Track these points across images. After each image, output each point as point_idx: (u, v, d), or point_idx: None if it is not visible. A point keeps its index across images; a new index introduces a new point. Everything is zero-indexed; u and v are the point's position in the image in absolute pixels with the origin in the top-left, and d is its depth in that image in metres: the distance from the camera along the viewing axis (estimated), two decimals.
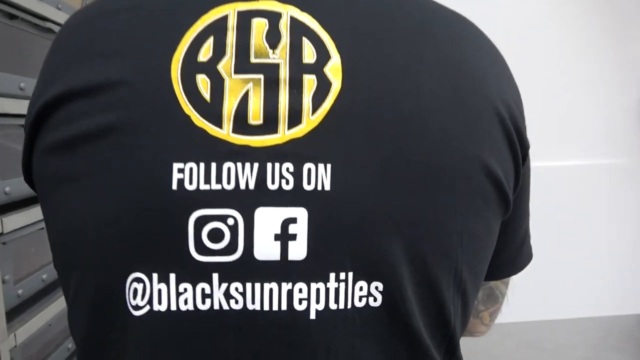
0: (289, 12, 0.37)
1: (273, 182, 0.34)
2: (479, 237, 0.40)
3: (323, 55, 0.36)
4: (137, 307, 0.35)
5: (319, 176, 0.34)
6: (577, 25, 1.71)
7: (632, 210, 1.78)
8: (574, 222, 1.75)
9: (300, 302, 0.35)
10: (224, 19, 0.36)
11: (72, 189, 0.36)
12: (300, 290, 0.35)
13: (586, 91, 1.73)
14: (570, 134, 1.75)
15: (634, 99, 1.76)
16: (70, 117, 0.36)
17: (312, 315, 0.35)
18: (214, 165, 0.34)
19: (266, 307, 0.35)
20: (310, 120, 0.35)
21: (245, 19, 0.36)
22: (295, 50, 0.36)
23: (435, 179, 0.36)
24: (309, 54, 0.36)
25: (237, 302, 0.34)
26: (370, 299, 0.36)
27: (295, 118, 0.35)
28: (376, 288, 0.36)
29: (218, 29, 0.36)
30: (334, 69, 0.36)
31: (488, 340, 0.90)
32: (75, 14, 0.42)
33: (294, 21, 0.36)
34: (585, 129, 1.75)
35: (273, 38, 0.36)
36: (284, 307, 0.35)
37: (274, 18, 0.36)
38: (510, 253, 0.49)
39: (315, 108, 0.35)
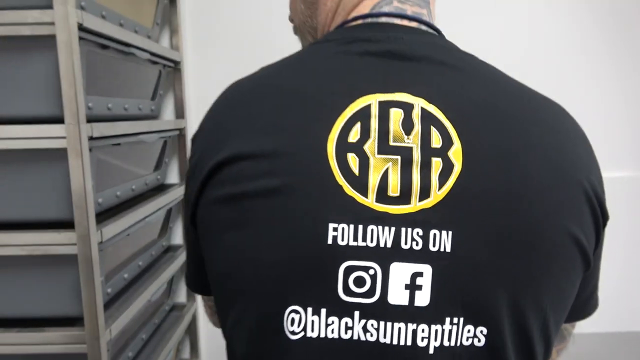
0: (419, 103, 0.46)
1: (406, 243, 0.44)
2: (565, 293, 0.48)
3: (447, 141, 0.45)
4: (293, 333, 0.45)
5: (442, 240, 0.43)
6: (603, 35, 1.72)
7: None
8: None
9: (422, 340, 0.44)
10: (368, 107, 0.46)
11: (239, 234, 0.46)
12: (423, 330, 0.44)
13: (612, 107, 1.75)
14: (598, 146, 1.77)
15: None
16: (239, 175, 0.46)
17: (431, 351, 0.44)
18: (360, 227, 0.44)
19: (395, 342, 0.44)
20: (436, 195, 0.44)
21: (384, 108, 0.46)
22: (425, 137, 0.45)
23: (536, 247, 0.45)
24: (436, 140, 0.45)
25: (372, 335, 0.44)
26: (475, 340, 0.44)
27: (424, 193, 0.44)
28: (481, 332, 0.44)
29: (363, 115, 0.45)
30: (456, 153, 0.44)
31: None
32: (227, 92, 0.53)
33: (423, 111, 0.45)
34: (613, 142, 1.77)
35: (407, 125, 0.45)
36: (409, 342, 0.44)
37: (407, 108, 0.46)
38: (581, 301, 0.56)
39: (440, 185, 0.44)
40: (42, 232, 0.96)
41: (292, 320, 0.45)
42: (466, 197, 0.44)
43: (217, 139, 0.49)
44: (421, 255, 0.44)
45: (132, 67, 1.32)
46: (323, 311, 0.44)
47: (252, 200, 0.45)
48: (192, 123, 1.68)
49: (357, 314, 0.44)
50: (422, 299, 0.44)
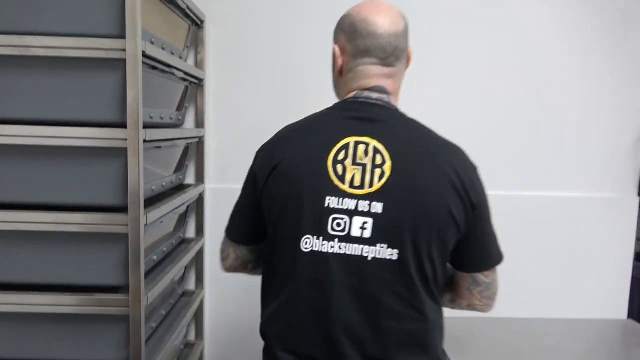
0: (373, 143, 0.93)
1: (360, 208, 0.90)
2: (444, 242, 0.93)
3: (383, 161, 0.91)
4: (305, 248, 0.92)
5: (377, 207, 0.89)
6: (584, 68, 2.01)
7: (623, 240, 2.08)
8: (571, 247, 2.06)
9: (365, 253, 0.90)
10: (348, 143, 0.93)
11: (286, 201, 0.93)
12: (366, 249, 0.90)
13: (589, 132, 2.03)
14: (573, 169, 2.05)
15: (631, 142, 2.06)
16: (287, 171, 0.94)
17: (369, 258, 0.90)
18: (340, 199, 0.90)
19: (353, 253, 0.89)
20: (376, 186, 0.90)
21: (356, 144, 0.93)
22: (373, 158, 0.92)
23: (427, 212, 0.90)
24: (378, 160, 0.92)
25: (342, 250, 0.90)
26: (392, 256, 0.90)
27: (370, 185, 0.91)
28: (395, 252, 0.90)
29: (346, 147, 0.93)
30: (387, 167, 0.91)
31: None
32: (283, 129, 1.04)
33: (375, 147, 0.93)
34: (588, 165, 2.05)
35: (365, 153, 0.92)
36: (359, 254, 0.90)
37: (367, 144, 0.93)
38: (473, 256, 1.00)
39: (379, 181, 0.91)
40: (101, 214, 1.20)
41: (306, 242, 0.92)
42: (390, 188, 0.90)
43: (269, 157, 0.99)
44: (367, 214, 0.90)
45: (168, 82, 1.56)
46: (321, 238, 0.91)
47: (293, 183, 0.93)
48: (210, 132, 1.92)
49: (336, 240, 0.91)
50: (367, 234, 0.90)
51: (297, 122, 1.02)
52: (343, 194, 0.89)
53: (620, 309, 2.10)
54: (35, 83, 1.17)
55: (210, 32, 1.89)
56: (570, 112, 2.02)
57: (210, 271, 1.99)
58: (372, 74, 0.99)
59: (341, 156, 0.90)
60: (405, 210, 0.89)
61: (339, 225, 0.89)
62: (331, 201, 0.89)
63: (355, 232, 0.89)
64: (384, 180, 0.89)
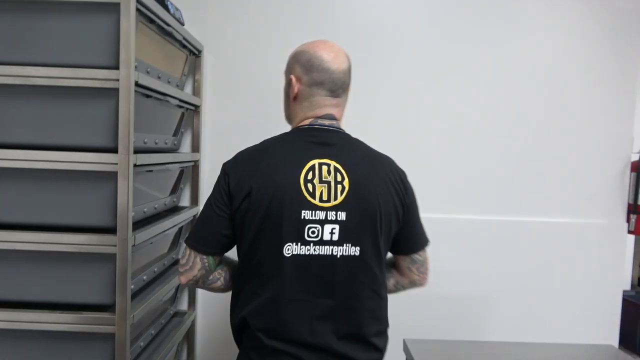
0: (332, 163, 1.13)
1: (329, 218, 1.10)
2: (391, 232, 1.18)
3: (342, 178, 1.12)
4: (286, 254, 1.09)
5: (342, 215, 1.10)
6: (573, 97, 2.06)
7: (611, 264, 2.09)
8: (561, 272, 2.07)
9: (334, 252, 1.10)
10: (314, 165, 1.12)
11: (265, 217, 1.09)
12: (335, 249, 1.10)
13: (580, 159, 2.07)
14: (560, 195, 2.08)
15: (620, 169, 2.09)
16: (262, 194, 1.09)
17: (338, 256, 1.11)
18: (313, 212, 1.09)
19: (325, 253, 1.10)
20: (339, 199, 1.10)
21: (320, 165, 1.12)
22: (335, 176, 1.12)
23: (379, 214, 1.13)
24: (339, 177, 1.12)
25: (317, 252, 1.10)
26: (355, 253, 1.12)
27: (335, 198, 1.11)
28: (357, 249, 1.12)
29: (312, 168, 1.12)
30: (346, 183, 1.12)
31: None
32: (241, 153, 1.17)
33: (334, 166, 1.13)
34: (578, 192, 2.09)
35: (328, 172, 1.12)
36: (330, 253, 1.10)
37: (328, 165, 1.13)
38: (409, 241, 1.24)
39: (340, 195, 1.11)
40: (91, 234, 1.25)
41: (287, 248, 1.09)
42: (350, 199, 1.11)
43: (241, 180, 1.12)
44: (334, 221, 1.10)
45: (163, 109, 1.64)
46: (299, 244, 1.09)
47: (274, 200, 1.09)
48: (206, 156, 1.99)
49: (312, 244, 1.10)
50: (335, 237, 1.10)
51: (261, 144, 1.18)
52: (314, 207, 1.09)
53: (611, 334, 2.09)
54: (34, 110, 1.24)
55: (208, 61, 1.98)
56: (561, 139, 2.06)
57: (203, 293, 2.03)
58: (323, 104, 1.19)
59: (310, 176, 1.10)
60: (362, 215, 1.11)
61: (313, 232, 1.09)
62: (306, 214, 1.09)
63: (326, 237, 1.10)
64: (345, 194, 1.11)
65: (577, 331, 2.08)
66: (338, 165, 1.12)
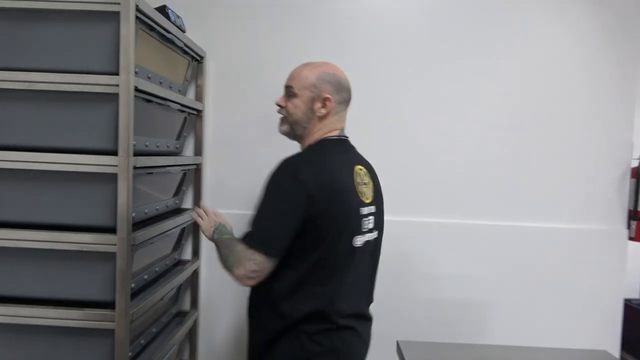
0: (363, 168, 1.40)
1: (371, 212, 1.38)
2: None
3: (369, 179, 1.41)
4: (358, 244, 1.33)
5: (372, 209, 1.39)
6: (573, 102, 2.06)
7: (611, 270, 2.09)
8: (562, 277, 2.07)
9: (372, 236, 1.39)
10: (356, 169, 1.37)
11: (335, 212, 1.28)
12: (371, 235, 1.39)
13: (580, 165, 2.07)
14: (560, 201, 2.09)
15: (620, 174, 2.09)
16: (332, 193, 1.27)
17: (371, 240, 1.39)
18: (365, 208, 1.35)
19: (369, 239, 1.38)
20: (372, 197, 1.40)
21: (359, 170, 1.38)
22: (367, 178, 1.40)
23: (382, 204, 1.46)
24: (367, 179, 1.40)
25: (368, 238, 1.37)
26: (375, 236, 1.41)
27: (370, 197, 1.39)
28: (377, 233, 1.42)
29: (356, 172, 1.37)
30: (370, 183, 1.41)
31: None
32: (301, 166, 1.30)
33: (364, 170, 1.40)
34: (578, 198, 2.09)
35: (365, 175, 1.40)
36: (371, 239, 1.39)
37: (360, 169, 1.39)
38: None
39: (372, 193, 1.40)
40: (92, 234, 1.30)
41: (357, 239, 1.31)
42: (375, 196, 1.41)
43: (329, 180, 1.28)
44: (372, 214, 1.38)
45: (166, 114, 1.69)
46: (360, 235, 1.33)
47: (344, 201, 1.29)
48: (208, 159, 2.04)
49: (366, 234, 1.35)
50: (371, 226, 1.38)
51: (313, 153, 1.36)
52: (365, 204, 1.35)
53: (611, 340, 2.09)
54: (37, 114, 1.29)
55: (210, 66, 2.03)
56: (561, 145, 2.07)
57: (205, 292, 2.07)
58: (344, 118, 1.43)
59: (357, 180, 1.35)
60: (379, 207, 1.42)
61: (366, 224, 1.35)
62: (362, 210, 1.33)
63: (370, 226, 1.37)
64: (372, 192, 1.40)
65: (576, 337, 2.08)
66: (364, 169, 1.39)
